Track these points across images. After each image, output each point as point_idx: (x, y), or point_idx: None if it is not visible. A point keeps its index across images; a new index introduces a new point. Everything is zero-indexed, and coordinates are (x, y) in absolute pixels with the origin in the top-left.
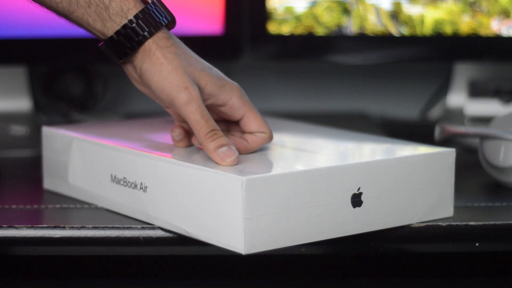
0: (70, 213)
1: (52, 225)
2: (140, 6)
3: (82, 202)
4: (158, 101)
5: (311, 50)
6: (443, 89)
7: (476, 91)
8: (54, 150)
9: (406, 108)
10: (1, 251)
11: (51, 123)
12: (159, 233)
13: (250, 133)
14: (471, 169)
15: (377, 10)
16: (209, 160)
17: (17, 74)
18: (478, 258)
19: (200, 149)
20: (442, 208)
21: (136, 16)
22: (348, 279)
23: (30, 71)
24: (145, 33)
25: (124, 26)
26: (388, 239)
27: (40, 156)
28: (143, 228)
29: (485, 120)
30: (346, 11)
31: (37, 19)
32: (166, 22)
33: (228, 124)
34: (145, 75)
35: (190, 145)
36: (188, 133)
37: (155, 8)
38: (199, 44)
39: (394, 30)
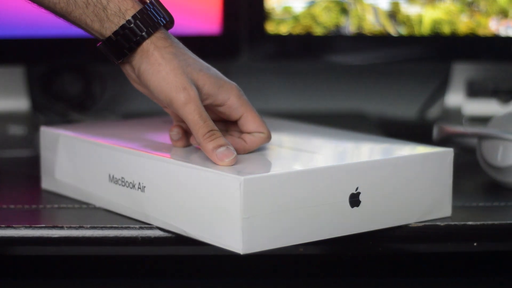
0: (68, 213)
1: (50, 225)
2: (138, 7)
3: (80, 202)
4: (156, 101)
5: (309, 50)
6: (441, 89)
7: (474, 91)
8: (52, 150)
9: (404, 108)
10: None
11: (49, 123)
12: (157, 233)
13: (249, 133)
14: (469, 169)
15: (375, 10)
16: (208, 160)
17: (15, 74)
18: (476, 257)
19: (198, 149)
20: (440, 208)
21: (134, 17)
22: (347, 279)
23: (28, 71)
24: (143, 33)
25: (122, 27)
26: (386, 239)
27: (38, 156)
28: (141, 228)
29: (483, 120)
30: (344, 11)
31: (35, 19)
32: (164, 22)
33: (226, 124)
34: (144, 75)
35: (188, 144)
36: (186, 133)
37: (153, 8)
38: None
39: (392, 30)
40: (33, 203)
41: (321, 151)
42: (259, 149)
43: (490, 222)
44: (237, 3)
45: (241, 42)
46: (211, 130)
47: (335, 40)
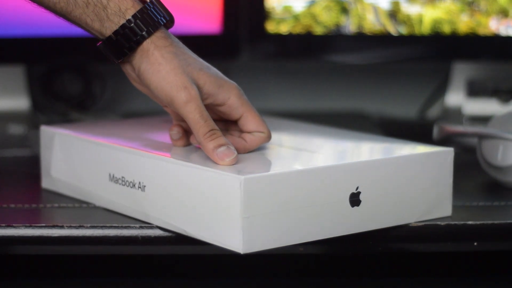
0: (69, 212)
1: (51, 224)
2: (138, 6)
3: (80, 202)
4: (157, 100)
5: (310, 50)
6: (442, 88)
7: (475, 90)
8: (52, 149)
9: (404, 108)
10: (0, 250)
11: (49, 122)
12: (157, 233)
13: (249, 132)
14: (470, 168)
15: (376, 9)
16: (208, 159)
17: (15, 73)
18: (476, 257)
19: (198, 148)
20: (440, 207)
21: (134, 16)
22: (347, 279)
23: (28, 71)
24: (143, 33)
25: (122, 26)
26: (386, 239)
27: (38, 155)
28: (141, 227)
29: (483, 120)
30: (344, 10)
31: (36, 18)
32: (165, 21)
33: (226, 123)
34: (144, 75)
35: (188, 144)
36: (187, 132)
37: (153, 8)
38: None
39: (392, 29)
40: (33, 203)
41: (321, 151)
42: (259, 148)
43: (490, 222)
44: (237, 2)
45: (241, 42)
46: (212, 130)
47: (335, 40)
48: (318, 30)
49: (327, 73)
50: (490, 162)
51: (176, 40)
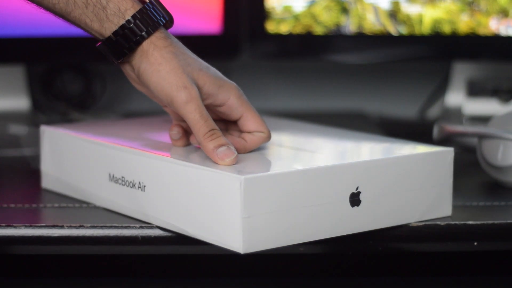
0: (69, 212)
1: (51, 224)
2: (138, 6)
3: (81, 201)
4: (157, 100)
5: (310, 49)
6: (442, 88)
7: (475, 90)
8: (53, 149)
9: (404, 107)
10: (0, 250)
11: (50, 122)
12: (157, 232)
13: (249, 132)
14: (470, 168)
15: (376, 9)
16: (208, 159)
17: (16, 73)
18: (476, 257)
19: (198, 148)
20: (440, 207)
21: (133, 16)
22: (347, 279)
23: (28, 70)
24: (143, 33)
25: (122, 27)
26: (386, 238)
27: (38, 155)
28: (141, 227)
29: (483, 119)
30: (344, 10)
31: (35, 18)
32: (164, 21)
33: (226, 123)
34: (144, 75)
35: (188, 144)
36: (186, 132)
37: (153, 8)
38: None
39: (392, 29)
40: (33, 202)
41: (321, 151)
42: (260, 148)
43: (490, 222)
44: (237, 2)
45: (242, 42)
46: (212, 130)
47: (335, 40)
48: (318, 30)
49: (327, 73)
50: (490, 162)
51: (176, 40)
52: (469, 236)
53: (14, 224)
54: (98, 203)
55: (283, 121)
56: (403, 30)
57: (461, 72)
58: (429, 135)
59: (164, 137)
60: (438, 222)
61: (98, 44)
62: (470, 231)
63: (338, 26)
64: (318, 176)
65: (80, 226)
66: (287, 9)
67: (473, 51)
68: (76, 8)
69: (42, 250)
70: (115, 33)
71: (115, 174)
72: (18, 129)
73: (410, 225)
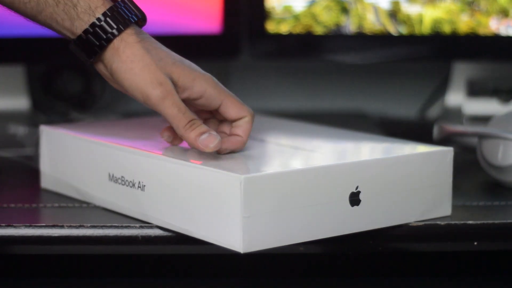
0: (69, 212)
1: (51, 224)
2: (109, 4)
3: (80, 201)
4: (133, 97)
5: (310, 49)
6: (442, 88)
7: (475, 90)
8: (52, 149)
9: (404, 107)
10: (0, 250)
11: (50, 122)
12: (157, 232)
13: (232, 120)
14: (470, 168)
15: (376, 9)
16: (208, 158)
17: (16, 73)
18: (476, 257)
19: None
20: (440, 207)
21: (104, 14)
22: (347, 278)
23: (28, 70)
24: (113, 30)
25: (92, 24)
26: (386, 238)
27: (38, 155)
28: (141, 227)
29: (483, 119)
30: (344, 10)
31: None
32: (136, 19)
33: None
34: (117, 73)
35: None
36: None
37: (124, 6)
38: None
39: (392, 29)
40: (33, 202)
41: (321, 150)
42: (260, 147)
43: (490, 222)
44: (237, 2)
45: (242, 41)
46: (191, 120)
47: (335, 40)
48: (318, 30)
49: (327, 73)
50: (490, 162)
51: (148, 36)
52: (469, 236)
53: (14, 224)
54: (98, 203)
55: (283, 120)
56: (403, 30)
57: (461, 72)
58: (429, 135)
59: None
60: (438, 222)
61: (70, 45)
62: (470, 231)
63: (338, 26)
64: (318, 175)
65: (80, 226)
66: (287, 9)
67: (473, 51)
68: (47, 7)
69: (42, 250)
70: (85, 31)
71: (114, 174)
72: (18, 129)
73: (410, 224)
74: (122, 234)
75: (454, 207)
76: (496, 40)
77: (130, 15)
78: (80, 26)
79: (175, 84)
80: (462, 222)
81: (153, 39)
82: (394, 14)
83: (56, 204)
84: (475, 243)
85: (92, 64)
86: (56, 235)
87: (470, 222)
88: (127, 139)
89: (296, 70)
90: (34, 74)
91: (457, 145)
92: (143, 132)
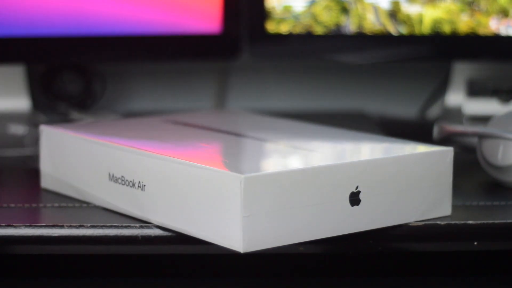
0: (69, 212)
1: (51, 224)
2: None
3: (81, 201)
4: None
5: (310, 49)
6: (442, 88)
7: (475, 90)
8: (52, 149)
9: (404, 107)
10: (0, 250)
11: (50, 122)
12: (157, 232)
13: None
14: (470, 168)
15: (376, 9)
16: (208, 158)
17: (15, 73)
18: (476, 257)
19: (198, 148)
20: (440, 206)
21: None
22: (347, 278)
23: (28, 70)
24: None
25: None
26: (386, 238)
27: (38, 155)
28: (141, 227)
29: (483, 119)
30: (344, 10)
31: (35, 18)
32: None
33: None
34: None
35: None
36: None
37: None
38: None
39: (392, 29)
40: (33, 202)
41: (321, 150)
42: (260, 147)
43: (490, 221)
44: (237, 2)
45: (242, 42)
46: None
47: (335, 40)
48: (318, 30)
49: (327, 72)
50: (490, 162)
51: None
52: (469, 236)
53: (14, 224)
54: (98, 202)
55: (284, 120)
56: (403, 30)
57: (461, 72)
58: (429, 135)
59: (164, 137)
60: (438, 222)
61: None
62: (470, 231)
63: (338, 26)
64: (318, 175)
65: (80, 226)
66: (287, 9)
67: (473, 51)
68: None
69: (42, 250)
70: None
71: (114, 174)
72: (18, 129)
73: (410, 224)
74: (122, 234)
75: (454, 207)
76: (496, 40)
77: None
78: None
79: None
80: (462, 222)
81: None
82: (394, 14)
83: (56, 204)
84: (475, 243)
85: None
86: (56, 235)
87: (470, 222)
88: (127, 139)
89: (296, 70)
90: (34, 74)
91: (457, 145)
92: (143, 132)
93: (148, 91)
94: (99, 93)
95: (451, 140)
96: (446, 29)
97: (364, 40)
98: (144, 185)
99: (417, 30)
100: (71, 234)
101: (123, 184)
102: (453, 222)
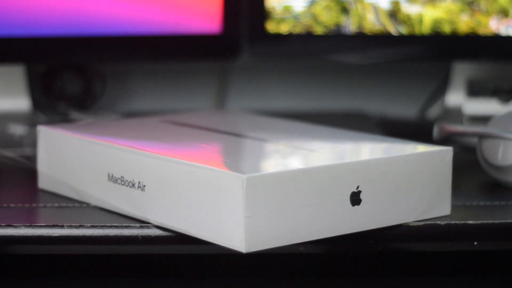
0: (69, 212)
1: (51, 224)
2: None
3: (80, 201)
4: None
5: (310, 49)
6: (442, 88)
7: (475, 90)
8: (50, 149)
9: (404, 107)
10: (0, 250)
11: (50, 122)
12: (157, 232)
13: None
14: (470, 168)
15: (376, 9)
16: (209, 158)
17: (15, 73)
18: (476, 257)
19: (199, 148)
20: (439, 206)
21: None
22: (347, 278)
23: (28, 70)
24: None
25: None
26: (386, 238)
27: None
28: (141, 227)
29: (483, 119)
30: (344, 10)
31: (35, 18)
32: None
33: None
34: None
35: None
36: None
37: None
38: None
39: (392, 29)
40: (33, 202)
41: (322, 150)
42: (261, 147)
43: (490, 221)
44: (237, 2)
45: (242, 42)
46: None
47: (335, 40)
48: (318, 30)
49: (328, 73)
50: (490, 162)
51: None
52: (469, 235)
53: (14, 224)
54: (97, 203)
55: (284, 121)
56: (403, 30)
57: (461, 72)
58: (429, 135)
59: (164, 137)
60: (438, 222)
61: None
62: (470, 231)
63: (338, 26)
64: (320, 175)
65: (80, 226)
66: (287, 9)
67: (473, 51)
68: None
69: (42, 250)
70: None
71: (114, 174)
72: (18, 129)
73: (410, 224)
74: (122, 234)
75: (454, 207)
76: (496, 40)
77: None
78: None
79: None
80: (462, 222)
81: None
82: (394, 14)
83: (56, 204)
84: (475, 243)
85: None
86: (56, 235)
87: (470, 222)
88: (127, 139)
89: (296, 70)
90: (34, 74)
91: (457, 145)
92: (143, 132)
93: (148, 91)
94: (99, 93)
95: (451, 140)
96: (446, 29)
97: (364, 40)
98: (144, 186)
99: (417, 30)
100: (71, 234)
101: (123, 185)
102: (453, 222)
